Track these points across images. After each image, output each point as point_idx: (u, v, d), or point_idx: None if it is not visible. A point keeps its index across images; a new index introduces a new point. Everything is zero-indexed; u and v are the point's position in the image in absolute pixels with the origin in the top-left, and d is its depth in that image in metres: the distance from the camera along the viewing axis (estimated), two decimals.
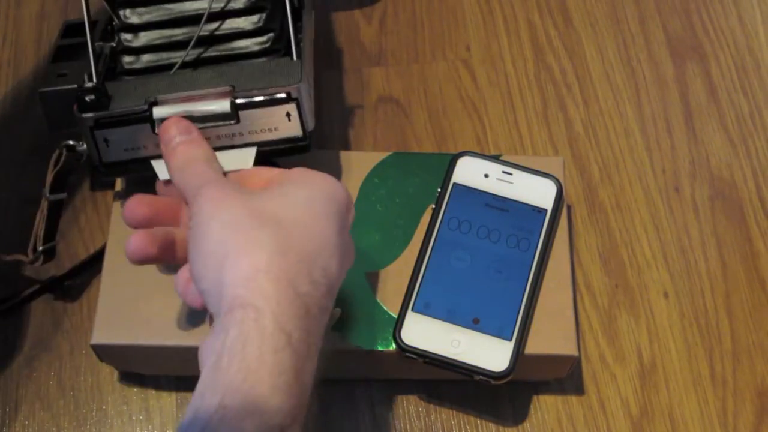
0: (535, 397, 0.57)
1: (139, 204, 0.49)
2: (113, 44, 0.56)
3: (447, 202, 0.56)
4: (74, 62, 0.57)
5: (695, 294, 0.61)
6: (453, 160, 0.57)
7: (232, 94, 0.50)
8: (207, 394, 0.38)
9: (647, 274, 0.62)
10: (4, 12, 0.71)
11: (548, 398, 0.57)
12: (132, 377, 0.57)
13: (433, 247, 0.55)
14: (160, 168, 0.50)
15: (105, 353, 0.54)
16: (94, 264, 0.60)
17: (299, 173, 0.46)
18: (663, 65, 0.70)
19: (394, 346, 0.52)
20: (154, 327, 0.52)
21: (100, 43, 0.56)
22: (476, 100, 0.68)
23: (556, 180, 0.57)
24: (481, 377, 0.51)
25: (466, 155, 0.58)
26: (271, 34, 0.54)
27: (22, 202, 0.62)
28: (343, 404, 0.57)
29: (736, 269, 0.62)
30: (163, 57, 0.54)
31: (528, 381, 0.57)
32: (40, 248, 0.55)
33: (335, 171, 0.58)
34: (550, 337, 0.53)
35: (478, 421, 0.57)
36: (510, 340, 0.52)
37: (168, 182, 0.50)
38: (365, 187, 0.58)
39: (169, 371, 0.57)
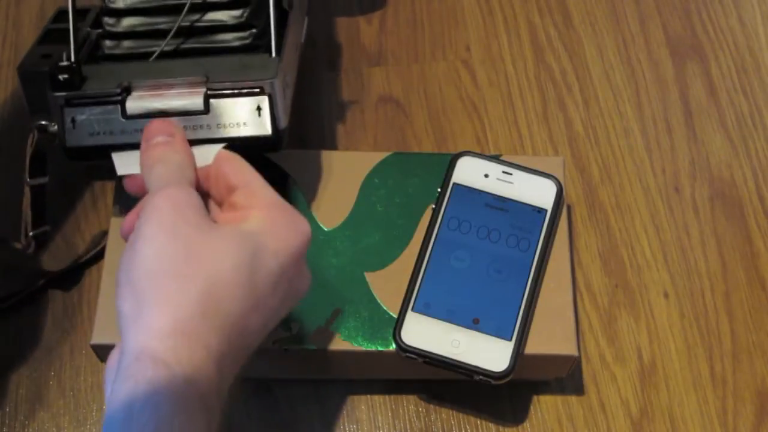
0: (535, 397, 0.57)
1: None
2: (100, 30, 0.55)
3: (447, 202, 0.56)
4: (60, 45, 0.57)
5: (695, 294, 0.61)
6: (453, 160, 0.57)
7: (205, 84, 0.50)
8: None
9: (647, 274, 0.62)
10: (4, 12, 0.71)
11: (548, 398, 0.57)
12: None
13: (433, 247, 0.55)
14: (119, 161, 0.50)
15: (105, 353, 0.54)
16: (94, 263, 0.60)
17: (261, 212, 0.44)
18: (663, 65, 0.70)
19: (394, 346, 0.52)
20: None
21: (88, 28, 0.56)
22: (476, 100, 0.68)
23: (556, 180, 0.57)
24: (481, 377, 0.51)
25: (466, 155, 0.58)
26: (253, 30, 0.54)
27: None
28: (342, 404, 0.57)
29: (736, 269, 0.62)
30: (144, 44, 0.54)
31: (528, 381, 0.57)
32: (31, 233, 0.55)
33: (335, 171, 0.58)
34: (550, 337, 0.53)
35: (478, 421, 0.57)
36: (510, 340, 0.52)
37: (128, 177, 0.49)
38: (365, 187, 0.58)
39: None
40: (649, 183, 0.65)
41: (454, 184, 0.57)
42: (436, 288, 0.53)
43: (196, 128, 0.50)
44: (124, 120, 0.50)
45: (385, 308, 0.54)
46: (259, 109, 0.50)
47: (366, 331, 0.53)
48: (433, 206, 0.56)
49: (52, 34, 0.59)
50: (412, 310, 0.53)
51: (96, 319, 0.53)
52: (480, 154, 0.58)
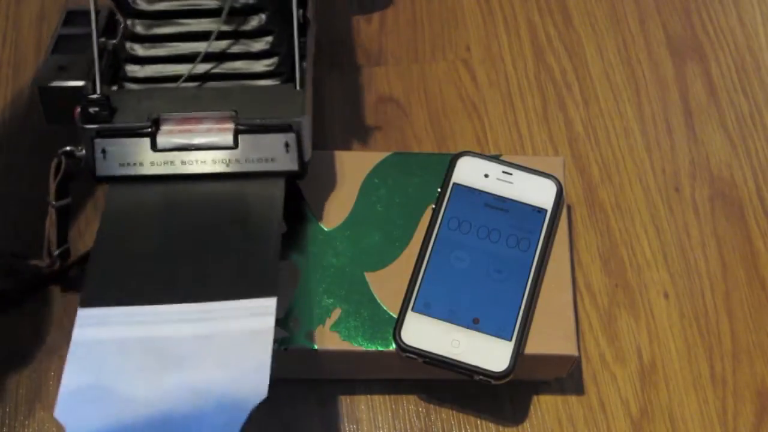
0: (535, 397, 0.57)
1: None
2: (115, 41, 0.56)
3: (447, 202, 0.56)
4: (75, 55, 0.57)
5: (695, 294, 0.61)
6: (453, 160, 0.57)
7: (234, 120, 0.51)
8: None
9: (647, 274, 0.62)
10: (4, 12, 0.71)
11: (548, 398, 0.57)
12: None
13: (433, 247, 0.55)
14: None
15: None
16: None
17: None
18: (663, 65, 0.70)
19: (394, 346, 0.52)
20: None
21: (103, 39, 0.56)
22: (476, 100, 0.68)
23: (556, 180, 0.57)
24: (481, 377, 0.51)
25: (466, 155, 0.58)
26: (277, 58, 0.55)
27: (24, 202, 0.62)
28: (342, 404, 0.57)
29: (736, 269, 0.62)
30: (168, 69, 0.54)
31: (528, 381, 0.57)
32: (56, 252, 0.55)
33: (335, 171, 0.58)
34: (550, 337, 0.53)
35: (478, 421, 0.57)
36: (510, 340, 0.52)
37: None
38: (365, 187, 0.58)
39: None
40: (649, 183, 0.65)
41: (454, 184, 0.57)
42: (436, 288, 0.53)
43: (223, 162, 0.51)
44: (154, 152, 0.51)
45: (385, 308, 0.54)
46: (287, 145, 0.51)
47: (366, 331, 0.53)
48: (433, 206, 0.56)
49: (64, 41, 0.60)
50: (412, 310, 0.53)
51: None
52: (480, 154, 0.58)
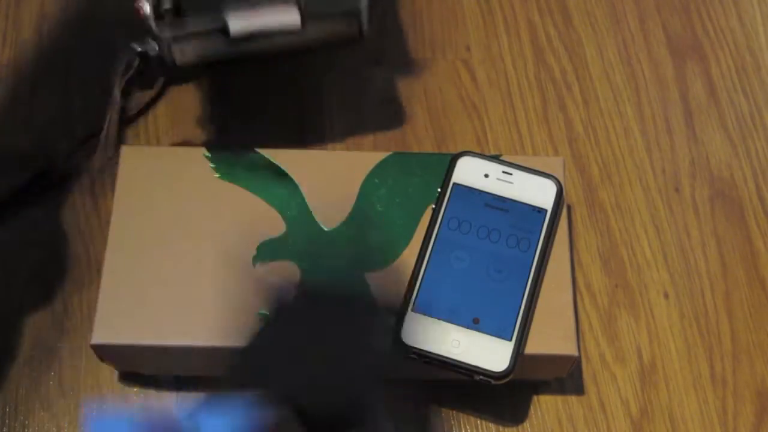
0: (535, 397, 0.57)
1: None
2: None
3: (447, 202, 0.56)
4: None
5: (695, 294, 0.61)
6: (453, 160, 0.57)
7: (299, 5, 0.55)
8: None
9: (647, 274, 0.62)
10: (4, 12, 0.70)
11: (548, 398, 0.57)
12: (132, 377, 0.57)
13: (433, 247, 0.55)
14: None
15: (105, 353, 0.54)
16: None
17: None
18: (663, 65, 0.70)
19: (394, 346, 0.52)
20: (155, 326, 0.52)
21: None
22: (476, 100, 0.68)
23: (556, 180, 0.57)
24: (481, 377, 0.51)
25: (466, 155, 0.58)
26: None
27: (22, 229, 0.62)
28: None
29: (736, 269, 0.62)
30: None
31: (528, 381, 0.57)
32: (111, 155, 0.57)
33: (335, 171, 0.58)
34: (550, 337, 0.53)
35: (478, 421, 0.57)
36: (510, 340, 0.52)
37: None
38: (365, 187, 0.58)
39: (169, 371, 0.57)
40: (649, 183, 0.65)
41: (454, 184, 0.57)
42: (436, 288, 0.53)
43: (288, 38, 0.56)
44: (228, 43, 0.55)
45: (385, 308, 0.54)
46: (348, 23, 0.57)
47: None
48: (433, 206, 0.56)
49: None
50: (412, 310, 0.53)
51: (96, 319, 0.53)
52: (480, 154, 0.58)
